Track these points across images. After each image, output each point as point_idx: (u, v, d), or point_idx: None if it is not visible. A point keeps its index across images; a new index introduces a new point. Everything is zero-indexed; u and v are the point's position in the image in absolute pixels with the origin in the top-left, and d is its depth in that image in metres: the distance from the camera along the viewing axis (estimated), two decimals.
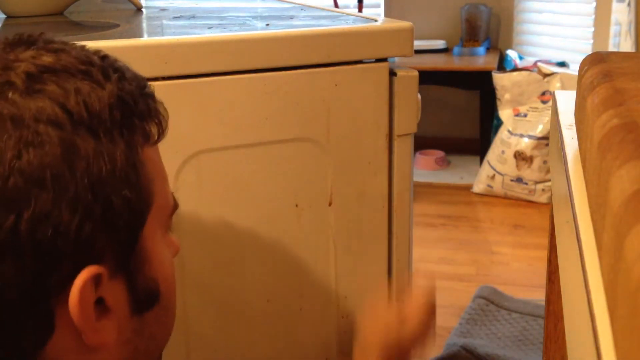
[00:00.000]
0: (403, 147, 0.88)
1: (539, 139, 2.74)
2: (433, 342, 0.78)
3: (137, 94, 0.49)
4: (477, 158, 3.15)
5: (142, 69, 0.73)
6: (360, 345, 0.76)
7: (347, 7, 3.32)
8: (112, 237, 0.46)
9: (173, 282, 0.55)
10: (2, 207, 0.41)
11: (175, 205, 0.56)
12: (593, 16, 2.82)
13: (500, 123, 2.93)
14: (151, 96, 0.51)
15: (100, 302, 0.47)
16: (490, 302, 1.99)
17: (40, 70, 0.45)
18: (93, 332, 0.47)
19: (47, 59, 0.45)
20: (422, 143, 3.29)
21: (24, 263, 0.42)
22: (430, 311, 0.76)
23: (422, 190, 2.99)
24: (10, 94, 0.43)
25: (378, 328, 0.75)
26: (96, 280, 0.45)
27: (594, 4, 2.80)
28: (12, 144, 0.42)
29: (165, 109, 0.52)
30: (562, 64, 2.93)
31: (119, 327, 0.49)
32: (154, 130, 0.50)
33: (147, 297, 0.51)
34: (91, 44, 0.72)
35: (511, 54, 3.16)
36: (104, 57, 0.49)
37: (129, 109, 0.47)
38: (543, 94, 2.81)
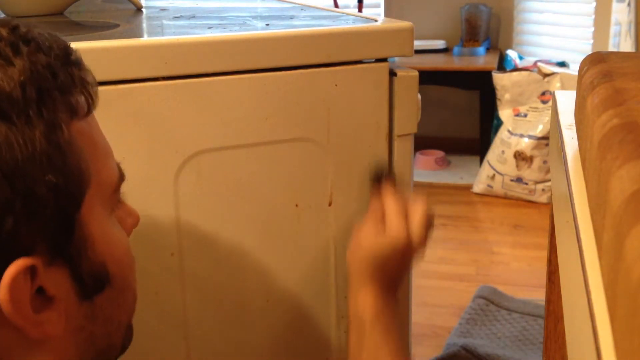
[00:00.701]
0: (403, 147, 0.88)
1: (539, 139, 2.74)
2: (421, 259, 0.77)
3: (57, 64, 0.44)
4: (477, 158, 3.15)
5: (142, 69, 0.73)
6: (350, 264, 0.75)
7: (347, 7, 3.32)
8: (40, 227, 0.42)
9: (127, 261, 0.52)
10: None
11: (121, 177, 0.52)
12: (593, 16, 2.82)
13: (500, 123, 2.93)
14: (75, 64, 0.46)
15: (41, 293, 0.44)
16: (490, 302, 1.99)
17: None
18: (34, 325, 0.44)
19: None
20: (422, 143, 3.29)
21: None
22: (421, 226, 0.75)
23: (422, 190, 2.99)
24: None
25: (362, 242, 0.74)
26: (31, 272, 0.43)
27: (594, 4, 2.80)
28: None
29: (93, 76, 0.47)
30: (562, 64, 2.93)
31: (66, 316, 0.46)
32: (82, 101, 0.46)
33: (94, 281, 0.48)
34: (91, 44, 0.72)
35: (511, 54, 3.16)
36: (14, 28, 0.44)
37: (47, 83, 0.43)
38: (543, 94, 2.81)
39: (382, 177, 0.81)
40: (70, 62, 0.46)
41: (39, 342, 0.46)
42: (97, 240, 0.48)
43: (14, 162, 0.40)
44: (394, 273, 0.75)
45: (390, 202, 0.76)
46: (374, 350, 0.71)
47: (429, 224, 0.76)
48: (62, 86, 0.44)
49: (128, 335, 0.56)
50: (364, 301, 0.73)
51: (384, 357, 0.70)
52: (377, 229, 0.74)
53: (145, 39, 0.82)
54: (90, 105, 0.47)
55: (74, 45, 0.71)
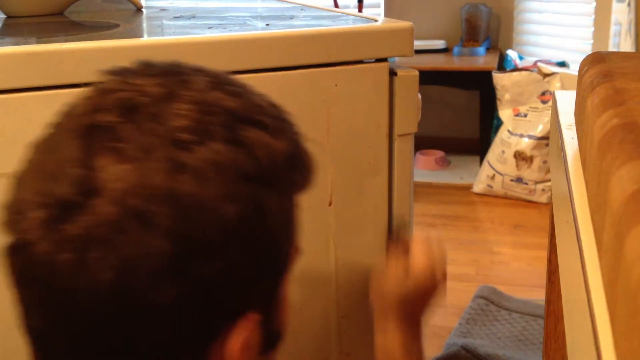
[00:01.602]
0: (403, 147, 0.88)
1: (539, 139, 2.74)
2: (445, 295, 0.81)
3: (301, 149, 0.50)
4: (477, 158, 3.15)
5: None
6: (376, 304, 0.79)
7: (347, 7, 3.32)
8: (270, 287, 0.48)
9: (288, 326, 0.57)
10: (198, 257, 0.41)
11: (300, 252, 0.56)
12: (593, 16, 2.82)
13: (500, 123, 2.93)
14: (304, 149, 0.52)
15: (244, 341, 0.47)
16: (490, 302, 1.99)
17: (234, 118, 0.45)
18: None
19: (235, 105, 0.46)
20: (422, 143, 3.29)
21: (203, 312, 0.43)
22: (434, 259, 0.78)
23: (422, 190, 2.99)
24: (212, 142, 0.43)
25: (387, 286, 0.77)
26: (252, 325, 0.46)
27: (594, 4, 2.80)
28: (214, 193, 0.42)
29: (312, 161, 0.53)
30: (562, 64, 2.93)
31: None
32: (305, 183, 0.52)
33: (275, 340, 0.53)
34: (91, 44, 0.72)
35: (511, 54, 3.16)
36: (279, 109, 0.51)
37: (294, 164, 0.49)
38: (543, 94, 2.81)
39: (402, 231, 0.84)
40: (303, 148, 0.52)
41: None
42: (284, 304, 0.53)
43: (277, 229, 0.46)
44: (419, 309, 0.78)
45: (412, 247, 0.79)
46: None
47: (444, 261, 0.80)
48: (300, 170, 0.50)
49: None
50: (393, 339, 0.76)
51: None
52: (401, 271, 0.77)
53: (145, 39, 0.82)
54: (308, 186, 0.52)
55: (74, 45, 0.71)
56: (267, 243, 0.45)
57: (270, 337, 0.51)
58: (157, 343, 0.43)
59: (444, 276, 0.79)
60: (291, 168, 0.48)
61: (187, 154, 0.42)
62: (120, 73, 0.47)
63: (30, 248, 0.41)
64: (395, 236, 0.82)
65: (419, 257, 0.77)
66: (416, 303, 0.77)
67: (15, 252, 0.42)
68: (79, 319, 0.42)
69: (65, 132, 0.44)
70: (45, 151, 0.44)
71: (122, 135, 0.42)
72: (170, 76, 0.46)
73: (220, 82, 0.47)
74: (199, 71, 0.48)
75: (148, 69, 0.47)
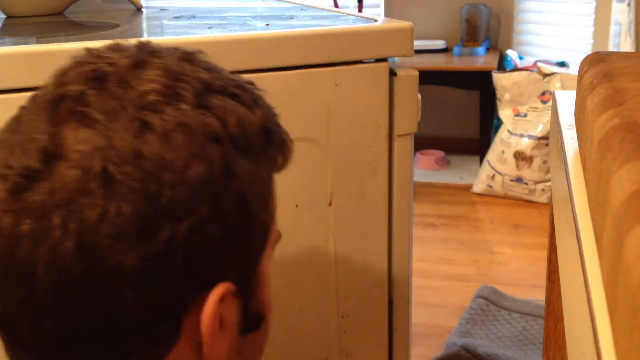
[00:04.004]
0: (403, 147, 0.88)
1: (539, 139, 2.74)
2: None
3: (276, 123, 0.50)
4: (477, 158, 3.15)
5: None
6: None
7: (347, 7, 3.32)
8: (243, 257, 0.47)
9: (271, 310, 0.56)
10: (164, 217, 0.40)
11: (280, 235, 0.56)
12: (593, 16, 2.82)
13: (500, 123, 2.93)
14: (281, 127, 0.52)
15: (219, 318, 0.47)
16: (490, 302, 1.99)
17: (204, 87, 0.45)
18: (213, 346, 0.46)
19: (207, 76, 0.46)
20: (422, 143, 3.29)
21: (172, 274, 0.42)
22: None
23: (422, 190, 2.99)
24: (180, 105, 0.43)
25: None
26: (225, 296, 0.45)
27: (594, 4, 2.80)
28: (183, 154, 0.41)
29: (291, 141, 0.53)
30: (562, 64, 2.93)
31: (229, 345, 0.49)
32: (282, 161, 0.51)
33: (254, 320, 0.52)
34: (91, 44, 0.72)
35: (511, 54, 3.16)
36: (251, 83, 0.50)
37: (269, 137, 0.48)
38: (543, 94, 2.81)
39: None
40: (279, 124, 0.52)
41: None
42: (265, 284, 0.52)
43: (248, 195, 0.45)
44: None
45: None
46: None
47: None
48: (275, 143, 0.50)
49: None
50: None
51: None
52: None
53: (145, 39, 0.82)
54: (284, 165, 0.52)
55: (74, 45, 0.71)
56: (238, 207, 0.44)
57: (250, 316, 0.50)
58: (125, 315, 0.42)
59: None
60: (266, 141, 0.48)
61: (154, 115, 0.41)
62: (89, 51, 0.47)
63: None
64: None
65: None
66: None
67: None
68: (42, 295, 0.40)
69: (33, 108, 0.44)
70: (13, 129, 0.44)
71: (88, 101, 0.42)
72: (141, 50, 0.47)
73: (193, 57, 0.48)
74: (173, 48, 0.49)
75: (118, 46, 0.48)
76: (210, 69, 0.47)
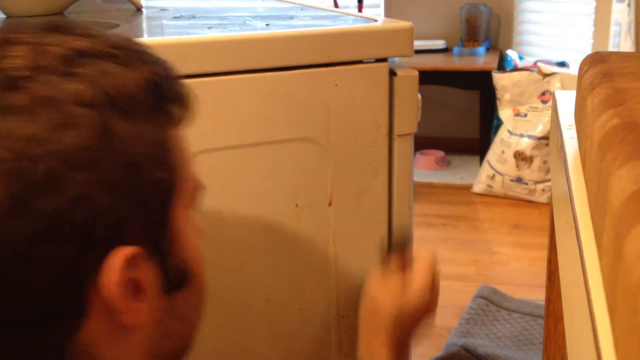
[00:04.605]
0: (403, 147, 0.88)
1: (539, 139, 2.74)
2: (434, 316, 0.79)
3: (166, 76, 0.49)
4: (477, 158, 3.15)
5: None
6: (366, 319, 0.77)
7: (347, 7, 3.32)
8: (146, 218, 0.46)
9: (201, 265, 0.55)
10: (41, 191, 0.41)
11: (199, 185, 0.55)
12: (593, 16, 2.82)
13: (500, 123, 2.93)
14: (177, 80, 0.51)
15: (134, 283, 0.46)
16: (490, 302, 1.99)
17: (75, 53, 0.44)
18: (129, 312, 0.46)
19: (80, 43, 0.45)
20: (422, 143, 3.29)
21: (62, 247, 0.42)
22: (434, 282, 0.77)
23: (422, 190, 2.99)
24: (45, 77, 0.42)
25: (383, 299, 0.75)
26: (132, 260, 0.45)
27: (594, 4, 2.80)
28: (47, 126, 0.41)
29: (191, 93, 0.52)
30: (562, 64, 2.93)
31: (151, 308, 0.48)
32: (180, 113, 0.51)
33: (177, 277, 0.51)
34: None
35: (511, 54, 3.16)
36: (134, 42, 0.50)
37: (159, 91, 0.48)
38: (543, 94, 2.81)
39: (403, 245, 0.81)
40: (174, 77, 0.51)
41: (128, 330, 0.48)
42: (182, 240, 0.51)
43: (133, 155, 0.44)
44: (408, 330, 0.77)
45: (415, 265, 0.78)
46: None
47: (439, 285, 0.80)
48: (168, 96, 0.49)
49: (193, 338, 0.58)
50: (379, 356, 0.75)
51: None
52: (398, 288, 0.76)
53: (145, 39, 0.82)
54: (185, 117, 0.51)
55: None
56: (127, 170, 0.44)
57: (172, 275, 0.50)
58: (22, 295, 0.42)
59: (437, 301, 0.79)
60: (155, 97, 0.47)
61: (17, 93, 0.41)
62: None
63: None
64: (396, 250, 0.81)
65: (420, 277, 0.76)
66: (407, 323, 0.76)
67: None
68: None
69: None
70: None
71: None
72: (6, 29, 0.48)
73: (64, 26, 0.47)
74: (44, 22, 0.48)
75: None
76: (85, 34, 0.47)
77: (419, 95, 0.88)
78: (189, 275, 0.52)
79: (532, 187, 2.78)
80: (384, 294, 0.76)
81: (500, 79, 2.89)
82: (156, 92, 0.47)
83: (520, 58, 3.13)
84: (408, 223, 0.90)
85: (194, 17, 0.98)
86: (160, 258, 0.48)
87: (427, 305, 0.77)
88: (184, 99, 0.51)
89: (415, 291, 0.75)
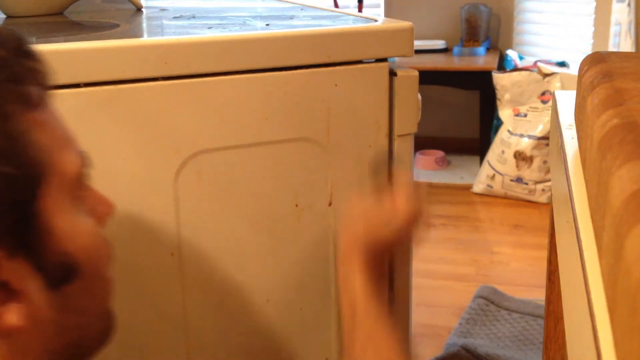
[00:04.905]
0: (403, 147, 0.88)
1: (539, 139, 2.74)
2: (426, 236, 0.76)
3: (9, 56, 0.45)
4: (477, 158, 3.15)
5: (142, 69, 0.73)
6: (343, 243, 0.74)
7: (347, 7, 3.32)
8: (1, 218, 0.43)
9: (97, 250, 0.51)
10: None
11: (84, 165, 0.51)
12: (593, 16, 2.81)
13: (500, 123, 2.93)
14: (28, 55, 0.46)
15: (4, 286, 0.44)
16: (490, 302, 1.99)
17: None
18: (3, 314, 0.44)
19: None
20: (422, 143, 3.28)
21: None
22: (417, 207, 0.74)
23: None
24: None
25: (355, 224, 0.73)
26: None
27: (594, 4, 2.80)
28: None
29: (46, 67, 0.47)
30: (562, 64, 2.93)
31: (33, 308, 0.46)
32: (35, 92, 0.46)
33: (60, 272, 0.48)
34: (91, 44, 0.72)
35: (511, 54, 3.16)
36: None
37: (4, 73, 0.43)
38: (543, 94, 2.81)
39: (382, 170, 0.79)
40: (23, 53, 0.46)
41: (5, 336, 0.45)
42: (60, 231, 0.47)
43: None
44: (385, 255, 0.74)
45: (395, 189, 0.75)
46: (368, 333, 0.69)
47: (427, 207, 0.76)
48: (14, 77, 0.44)
49: (108, 325, 0.55)
50: (353, 285, 0.71)
51: (380, 340, 0.68)
52: (378, 211, 0.73)
53: (145, 39, 0.82)
54: (44, 95, 0.47)
55: (74, 45, 0.71)
56: None
57: (52, 270, 0.47)
58: None
59: (425, 223, 0.75)
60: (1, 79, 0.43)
61: None
62: None
63: None
64: (375, 173, 0.78)
65: (401, 200, 0.73)
66: (385, 249, 0.73)
67: None
68: None
69: None
70: None
71: None
72: None
73: None
74: None
75: None
76: None
77: (419, 95, 0.88)
78: (75, 266, 0.49)
79: (532, 187, 2.78)
80: (362, 220, 0.73)
81: (500, 79, 2.89)
82: (2, 75, 0.43)
83: (520, 58, 3.13)
84: (386, 152, 0.86)
85: (194, 17, 0.98)
86: (31, 255, 0.45)
87: (407, 232, 0.73)
88: (35, 77, 0.46)
89: (395, 217, 0.72)
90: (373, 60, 0.84)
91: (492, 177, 2.88)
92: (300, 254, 0.87)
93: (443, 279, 2.18)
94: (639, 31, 2.10)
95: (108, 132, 0.73)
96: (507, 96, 2.88)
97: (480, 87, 3.11)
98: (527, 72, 2.83)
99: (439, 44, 3.35)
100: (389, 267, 0.74)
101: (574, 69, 2.82)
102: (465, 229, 2.59)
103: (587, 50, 2.81)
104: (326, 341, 0.92)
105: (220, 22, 0.91)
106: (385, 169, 0.79)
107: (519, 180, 2.80)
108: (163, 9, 1.12)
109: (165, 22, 0.97)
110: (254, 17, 0.96)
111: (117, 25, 0.93)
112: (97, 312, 0.53)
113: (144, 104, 0.74)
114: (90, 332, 0.53)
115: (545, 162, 2.74)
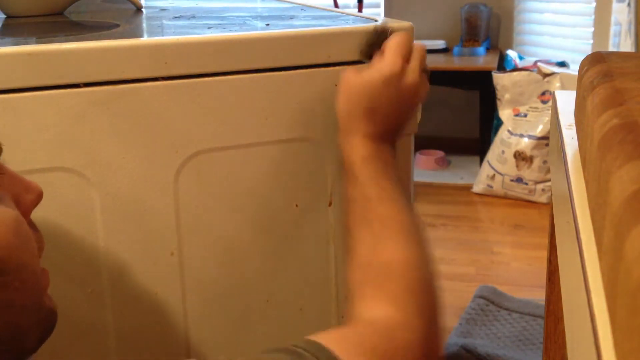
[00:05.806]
0: (403, 147, 0.88)
1: (539, 139, 2.74)
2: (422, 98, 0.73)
3: None
4: (477, 158, 3.15)
5: (142, 69, 0.73)
6: (342, 115, 0.71)
7: (347, 7, 3.32)
8: None
9: (16, 240, 0.47)
10: None
11: None
12: (593, 16, 2.82)
13: (500, 123, 2.93)
14: None
15: None
16: (490, 302, 1.99)
17: None
18: None
19: None
20: (422, 143, 3.29)
21: None
22: (420, 64, 0.70)
23: (422, 190, 2.99)
24: None
25: (354, 80, 0.70)
26: None
27: (594, 4, 2.80)
28: None
29: None
30: (562, 64, 2.93)
31: None
32: None
33: None
34: (91, 44, 0.72)
35: (511, 54, 3.16)
36: None
37: None
38: (543, 94, 2.81)
39: (381, 35, 0.76)
40: None
41: None
42: None
43: None
44: (386, 111, 0.71)
45: (385, 46, 0.72)
46: (362, 197, 0.66)
47: (426, 69, 0.73)
48: None
49: (45, 319, 0.52)
50: (352, 145, 0.69)
51: (376, 203, 0.65)
52: (372, 72, 0.70)
53: (145, 39, 0.82)
54: None
55: (74, 45, 0.71)
56: None
57: None
58: None
59: (420, 83, 0.72)
60: None
61: None
62: None
63: None
64: (373, 40, 0.75)
65: (391, 51, 0.69)
66: (383, 100, 0.69)
67: None
68: None
69: None
70: None
71: None
72: None
73: None
74: None
75: None
76: None
77: None
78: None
79: (532, 187, 2.78)
80: (352, 77, 0.70)
81: (500, 79, 2.89)
82: None
83: (520, 58, 3.13)
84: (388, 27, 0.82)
85: (194, 17, 0.98)
86: None
87: (401, 76, 0.70)
88: None
89: (383, 62, 0.69)
90: None
91: (492, 177, 2.88)
92: (300, 254, 0.87)
93: (443, 279, 2.17)
94: (639, 31, 2.10)
95: (107, 132, 0.73)
96: (507, 96, 2.88)
97: (480, 87, 3.11)
98: (527, 72, 2.83)
99: (439, 44, 3.36)
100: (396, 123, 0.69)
101: (574, 69, 2.82)
102: (465, 229, 2.60)
103: (587, 50, 2.81)
104: None
105: (220, 22, 0.91)
106: (380, 44, 0.76)
107: (519, 180, 2.80)
108: (163, 9, 1.12)
109: (165, 22, 0.97)
110: (254, 17, 0.96)
111: (117, 25, 0.93)
112: (30, 305, 0.50)
113: (144, 104, 0.74)
114: (22, 328, 0.49)
115: (545, 162, 2.74)
